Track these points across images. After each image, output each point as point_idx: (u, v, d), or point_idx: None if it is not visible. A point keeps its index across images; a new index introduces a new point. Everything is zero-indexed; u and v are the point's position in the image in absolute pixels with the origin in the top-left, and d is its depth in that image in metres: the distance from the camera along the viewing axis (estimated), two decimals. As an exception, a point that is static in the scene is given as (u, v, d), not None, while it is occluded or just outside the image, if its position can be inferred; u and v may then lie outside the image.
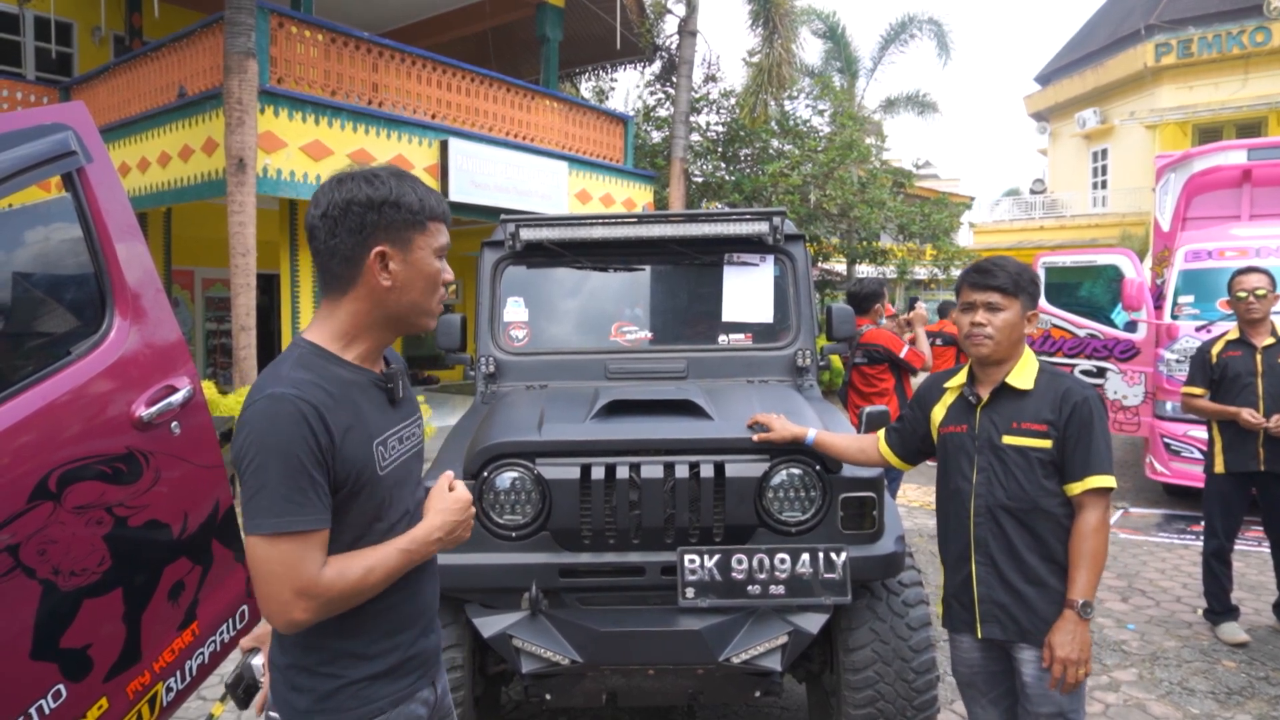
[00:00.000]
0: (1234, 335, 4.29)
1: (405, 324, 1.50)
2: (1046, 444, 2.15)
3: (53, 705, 1.96)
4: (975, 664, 2.33)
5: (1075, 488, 2.14)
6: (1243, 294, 4.18)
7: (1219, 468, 4.30)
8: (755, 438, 2.53)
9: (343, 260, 1.42)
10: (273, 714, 1.49)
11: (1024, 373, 2.23)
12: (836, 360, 6.46)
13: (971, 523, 2.25)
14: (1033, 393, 2.20)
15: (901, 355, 5.12)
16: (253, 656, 1.67)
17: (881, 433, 2.59)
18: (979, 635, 2.26)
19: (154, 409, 2.16)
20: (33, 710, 1.92)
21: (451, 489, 1.57)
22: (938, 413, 2.38)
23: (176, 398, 2.23)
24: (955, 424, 2.31)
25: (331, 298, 1.47)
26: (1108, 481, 2.12)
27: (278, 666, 1.48)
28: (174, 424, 2.24)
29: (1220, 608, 4.35)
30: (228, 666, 3.96)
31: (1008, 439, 2.19)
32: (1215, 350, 4.30)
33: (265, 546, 1.32)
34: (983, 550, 2.23)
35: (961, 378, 2.35)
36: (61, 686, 1.98)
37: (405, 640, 1.50)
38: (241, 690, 1.66)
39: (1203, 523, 4.51)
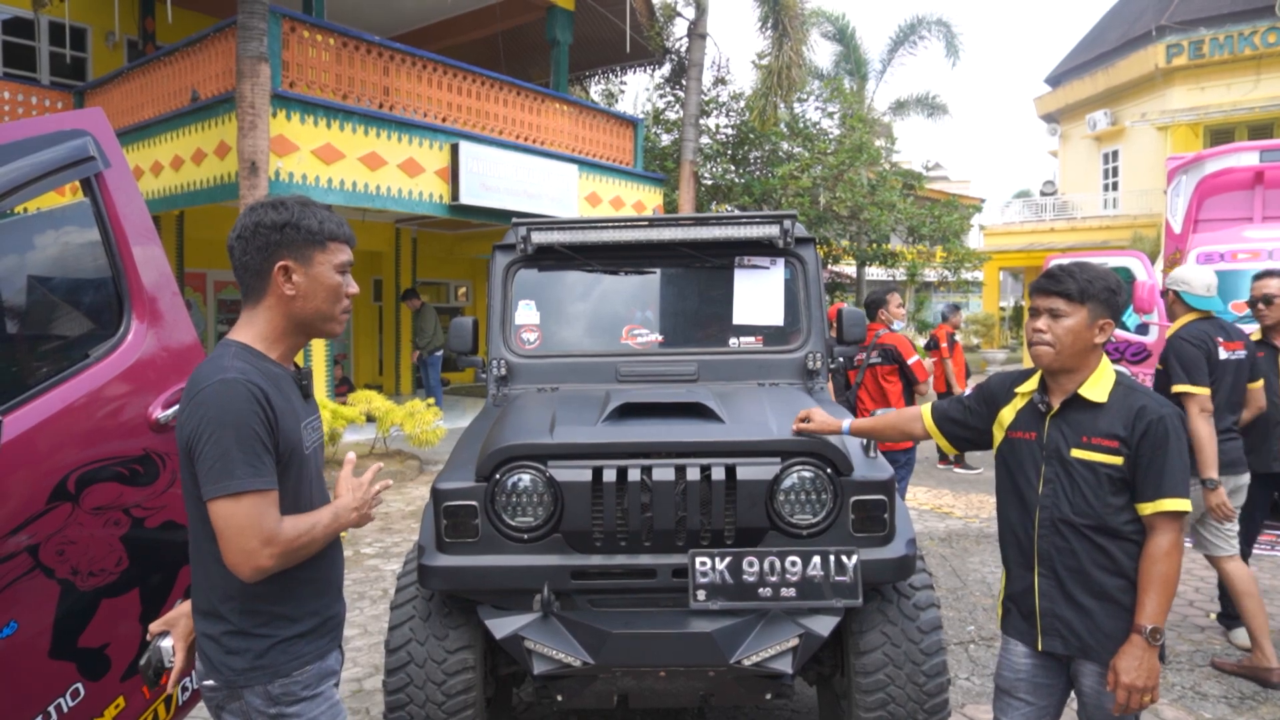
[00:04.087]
0: (1256, 337, 4.29)
1: (313, 329, 1.75)
2: (1117, 460, 2.06)
3: (71, 704, 1.99)
4: (1023, 672, 2.25)
5: (1146, 508, 2.05)
6: (1256, 299, 4.18)
7: None
8: (795, 426, 2.59)
9: (254, 274, 1.68)
10: (207, 682, 1.67)
11: (1098, 384, 2.13)
12: None
13: (1035, 534, 2.18)
14: (1106, 406, 2.10)
15: (909, 362, 5.33)
16: (161, 640, 1.77)
17: (927, 410, 2.50)
18: (1039, 647, 2.19)
19: (170, 411, 2.19)
20: (51, 708, 1.95)
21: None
22: (1006, 414, 2.30)
23: (193, 400, 2.25)
24: (1024, 430, 2.23)
25: (250, 306, 1.72)
26: (1180, 505, 2.02)
27: (210, 637, 1.66)
28: (190, 426, 2.26)
29: (1235, 612, 4.32)
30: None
31: (1076, 452, 2.11)
32: None
33: (231, 505, 1.54)
34: (1046, 563, 2.16)
35: (1033, 384, 2.25)
36: (80, 685, 2.01)
37: (324, 605, 1.75)
38: (151, 672, 1.76)
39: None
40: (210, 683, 1.66)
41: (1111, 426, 2.08)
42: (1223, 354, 3.95)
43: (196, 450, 1.56)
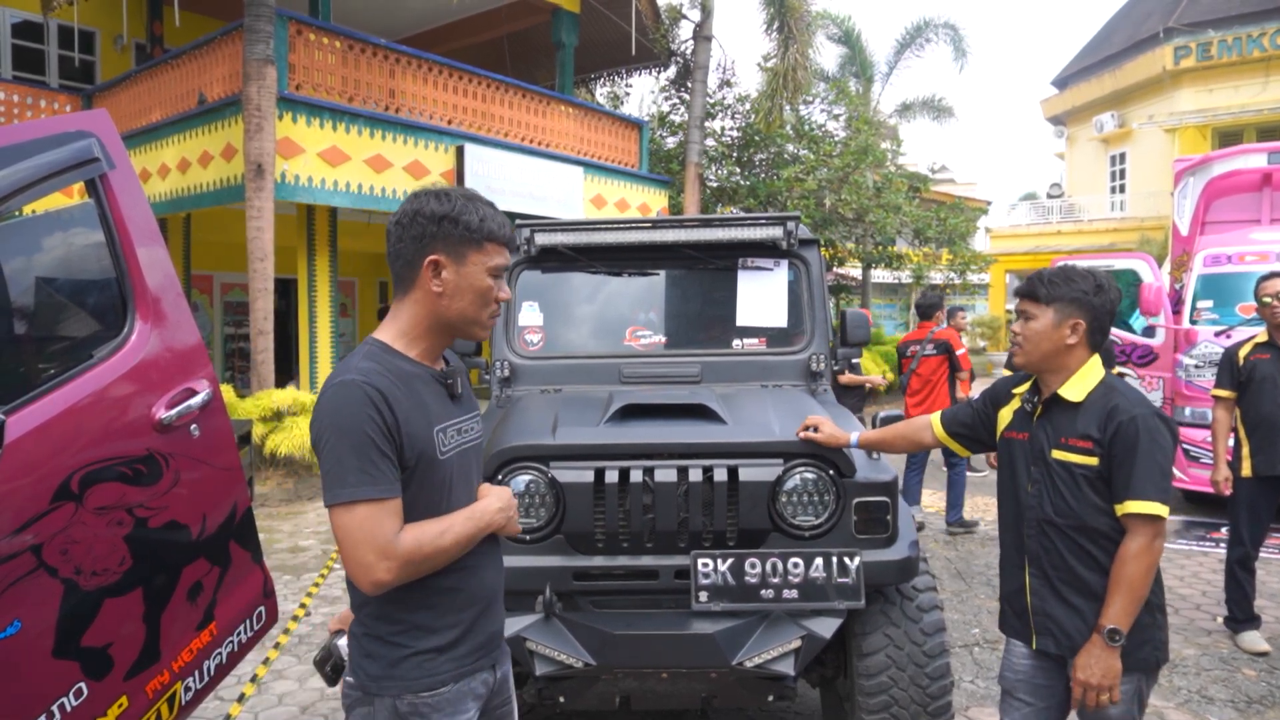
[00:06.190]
0: (1263, 338, 4.27)
1: (457, 330, 1.66)
2: (1092, 461, 2.08)
3: (74, 703, 1.99)
4: (1022, 672, 2.27)
5: (1118, 510, 2.06)
6: (1268, 299, 4.16)
7: (1246, 471, 4.25)
8: (800, 434, 2.57)
9: (405, 263, 1.61)
10: (348, 679, 1.64)
11: (1078, 385, 2.15)
12: None
13: (1025, 533, 2.21)
14: (1083, 406, 2.12)
15: (958, 353, 6.43)
16: (339, 638, 1.77)
17: (937, 418, 2.53)
18: (1033, 645, 2.22)
19: (174, 411, 2.19)
20: (54, 708, 1.95)
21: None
22: (1004, 415, 2.34)
23: (196, 400, 2.26)
24: (1017, 430, 2.27)
25: (398, 298, 1.65)
26: (1148, 508, 1.99)
27: (355, 636, 1.63)
28: (193, 426, 2.27)
29: (1242, 616, 4.30)
30: (245, 667, 3.99)
31: (1056, 453, 2.14)
32: (1243, 352, 4.28)
33: (345, 514, 1.47)
34: (1036, 563, 2.18)
35: (1027, 384, 2.29)
36: (83, 685, 2.01)
37: (467, 618, 1.63)
38: (330, 668, 1.76)
39: (1223, 529, 4.47)
40: (350, 679, 1.63)
41: (1087, 427, 2.10)
42: None
43: (318, 456, 1.52)
